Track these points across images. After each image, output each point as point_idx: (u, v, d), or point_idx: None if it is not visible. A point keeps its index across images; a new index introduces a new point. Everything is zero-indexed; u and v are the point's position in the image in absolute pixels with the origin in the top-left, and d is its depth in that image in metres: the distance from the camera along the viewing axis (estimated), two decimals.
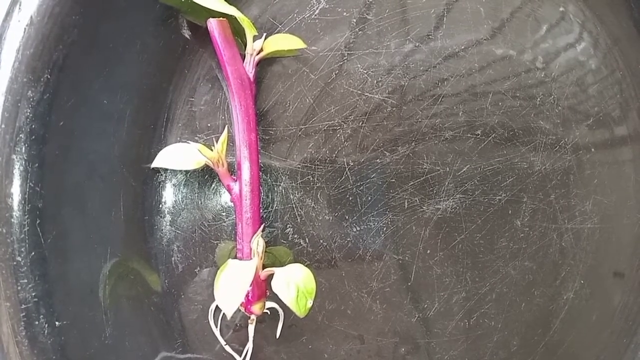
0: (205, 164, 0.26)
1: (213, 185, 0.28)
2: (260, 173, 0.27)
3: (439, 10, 0.29)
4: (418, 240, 0.28)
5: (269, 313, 0.27)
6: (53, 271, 0.24)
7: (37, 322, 0.24)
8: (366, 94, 0.28)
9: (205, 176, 0.28)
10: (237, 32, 0.27)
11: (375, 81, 0.28)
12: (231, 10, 0.25)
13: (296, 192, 0.28)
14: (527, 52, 0.29)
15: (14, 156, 0.23)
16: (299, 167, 0.28)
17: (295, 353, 0.28)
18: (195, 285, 0.28)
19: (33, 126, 0.23)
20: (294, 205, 0.28)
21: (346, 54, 0.28)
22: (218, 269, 0.25)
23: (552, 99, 0.29)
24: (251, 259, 0.25)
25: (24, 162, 0.23)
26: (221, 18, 0.26)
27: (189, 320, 0.28)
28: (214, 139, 0.27)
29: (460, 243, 0.29)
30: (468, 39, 0.29)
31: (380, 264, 0.28)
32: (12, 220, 0.23)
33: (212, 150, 0.26)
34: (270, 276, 0.25)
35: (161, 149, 0.27)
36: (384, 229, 0.28)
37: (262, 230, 0.26)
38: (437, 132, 0.28)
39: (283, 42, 0.28)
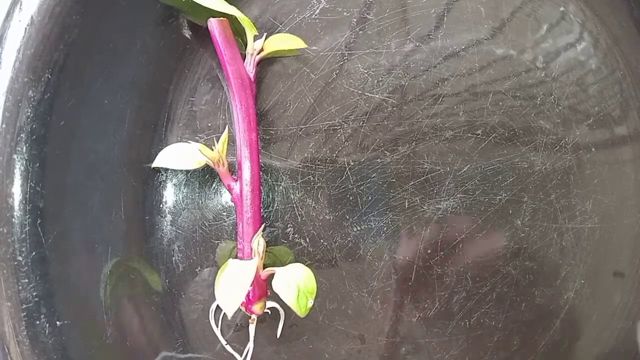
0: (206, 163, 0.26)
1: (214, 185, 0.28)
2: (261, 173, 0.27)
3: (440, 9, 0.29)
4: (418, 240, 0.28)
5: (269, 313, 0.27)
6: (54, 271, 0.24)
7: (38, 322, 0.24)
8: (367, 93, 0.28)
9: (205, 176, 0.28)
10: (238, 32, 0.27)
11: (375, 81, 0.28)
12: (232, 10, 0.25)
13: (297, 192, 0.28)
14: (528, 51, 0.29)
15: (15, 156, 0.23)
16: (299, 167, 0.28)
17: (296, 353, 0.28)
18: (196, 285, 0.28)
19: (34, 126, 0.24)
20: (294, 205, 0.28)
21: (347, 54, 0.28)
22: (219, 268, 0.25)
23: (552, 98, 0.29)
24: (252, 258, 0.25)
25: (24, 162, 0.23)
26: (222, 18, 0.26)
27: (189, 320, 0.28)
28: (214, 138, 0.27)
29: (460, 243, 0.29)
30: (468, 38, 0.29)
31: (381, 264, 0.28)
32: (13, 220, 0.23)
33: (212, 150, 0.26)
34: (271, 276, 0.25)
35: (162, 149, 0.27)
36: (385, 228, 0.28)
37: (263, 230, 0.26)
38: (437, 131, 0.28)
39: (283, 41, 0.28)
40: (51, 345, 0.24)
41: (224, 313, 0.25)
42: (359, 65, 0.28)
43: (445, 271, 0.29)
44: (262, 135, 0.28)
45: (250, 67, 0.27)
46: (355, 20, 0.28)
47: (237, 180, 0.26)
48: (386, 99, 0.28)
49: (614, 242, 0.30)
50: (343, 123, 0.28)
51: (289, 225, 0.28)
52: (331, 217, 0.28)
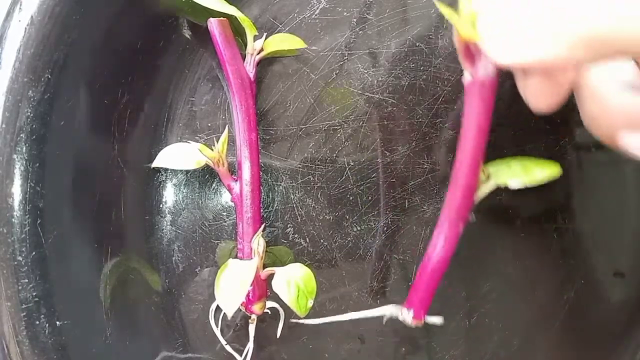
0: (206, 163, 0.26)
1: (214, 185, 0.28)
2: (261, 173, 0.27)
3: (440, 9, 0.29)
4: (418, 240, 0.28)
5: (269, 313, 0.27)
6: (54, 271, 0.24)
7: (38, 322, 0.24)
8: (367, 93, 0.28)
9: (205, 176, 0.28)
10: (238, 32, 0.27)
11: (375, 81, 0.28)
12: (231, 10, 0.25)
13: (297, 192, 0.28)
14: None
15: (14, 156, 0.23)
16: (299, 167, 0.28)
17: (295, 353, 0.28)
18: (196, 285, 0.28)
19: (34, 126, 0.24)
20: (294, 205, 0.28)
21: (346, 54, 0.28)
22: (219, 268, 0.25)
23: None
24: (252, 258, 0.25)
25: (24, 162, 0.23)
26: (222, 18, 0.26)
27: (189, 320, 0.28)
28: (214, 138, 0.27)
29: (461, 243, 0.29)
30: None
31: (381, 264, 0.28)
32: (13, 220, 0.23)
33: (212, 150, 0.26)
34: (271, 276, 0.25)
35: (162, 149, 0.27)
36: (385, 228, 0.28)
37: (263, 230, 0.26)
38: (437, 131, 0.28)
39: (283, 42, 0.28)
40: (51, 345, 0.24)
41: (224, 313, 0.25)
42: (359, 65, 0.28)
43: (445, 271, 0.29)
44: (262, 135, 0.28)
45: (250, 67, 0.27)
46: (355, 20, 0.28)
47: (237, 180, 0.26)
48: (386, 98, 0.28)
49: (613, 242, 0.30)
50: (343, 123, 0.28)
51: (289, 225, 0.28)
52: (331, 217, 0.28)
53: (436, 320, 0.25)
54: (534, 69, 0.21)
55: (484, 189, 0.24)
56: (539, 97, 0.22)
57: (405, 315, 0.25)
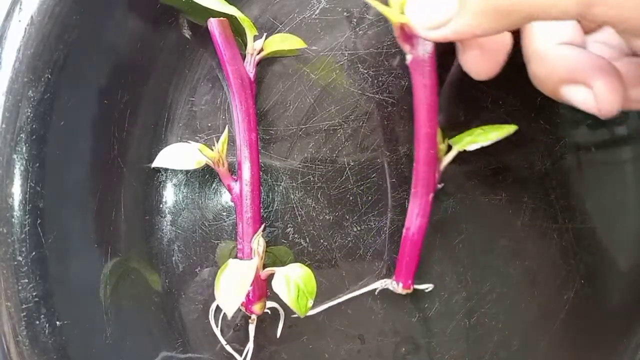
0: (206, 163, 0.26)
1: (214, 185, 0.28)
2: (261, 173, 0.27)
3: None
4: None
5: (269, 313, 0.27)
6: (54, 271, 0.24)
7: (37, 322, 0.24)
8: (367, 93, 0.28)
9: (205, 176, 0.28)
10: (238, 32, 0.27)
11: (375, 81, 0.28)
12: (231, 10, 0.25)
13: (297, 192, 0.28)
14: None
15: (14, 156, 0.23)
16: (299, 167, 0.28)
17: (295, 353, 0.28)
18: (196, 285, 0.28)
19: (34, 126, 0.24)
20: (294, 205, 0.28)
21: (346, 54, 0.28)
22: (219, 268, 0.25)
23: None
24: (252, 258, 0.25)
25: (24, 162, 0.23)
26: (222, 18, 0.26)
27: (189, 320, 0.28)
28: (214, 138, 0.27)
29: (460, 243, 0.29)
30: None
31: (381, 264, 0.28)
32: (13, 220, 0.23)
33: (212, 150, 0.26)
34: (271, 276, 0.25)
35: (162, 149, 0.27)
36: (385, 228, 0.28)
37: (263, 230, 0.26)
38: None
39: (283, 42, 0.28)
40: (51, 345, 0.24)
41: (224, 313, 0.25)
42: (359, 65, 0.28)
43: (445, 271, 0.29)
44: (262, 135, 0.28)
45: (250, 67, 0.27)
46: (355, 20, 0.28)
47: (237, 180, 0.26)
48: (386, 98, 0.28)
49: (613, 242, 0.30)
50: (343, 123, 0.28)
51: (289, 225, 0.28)
52: (331, 217, 0.28)
53: (425, 287, 0.28)
54: (461, 41, 0.23)
55: (447, 159, 0.26)
56: (476, 66, 0.24)
57: (395, 286, 0.27)
